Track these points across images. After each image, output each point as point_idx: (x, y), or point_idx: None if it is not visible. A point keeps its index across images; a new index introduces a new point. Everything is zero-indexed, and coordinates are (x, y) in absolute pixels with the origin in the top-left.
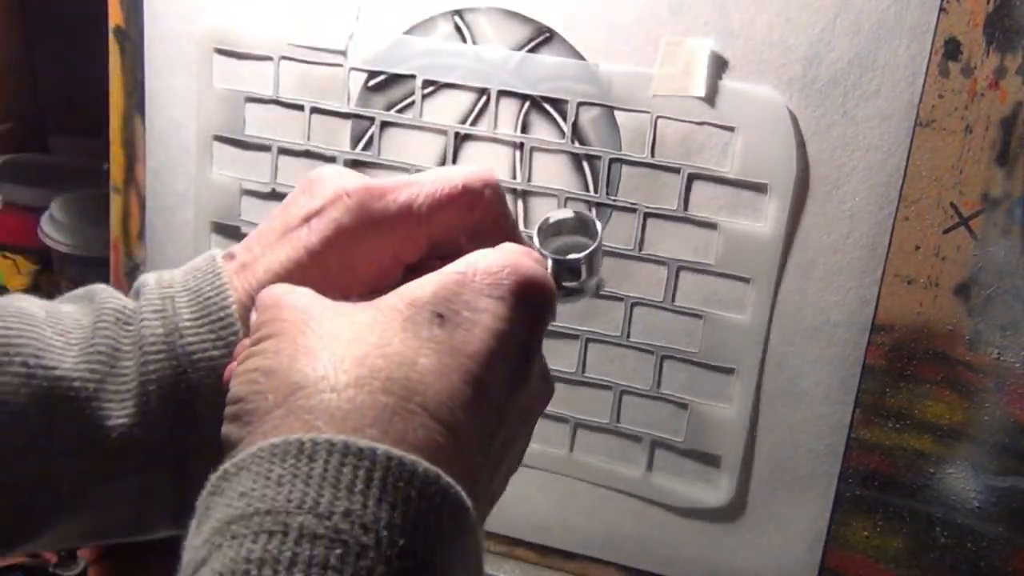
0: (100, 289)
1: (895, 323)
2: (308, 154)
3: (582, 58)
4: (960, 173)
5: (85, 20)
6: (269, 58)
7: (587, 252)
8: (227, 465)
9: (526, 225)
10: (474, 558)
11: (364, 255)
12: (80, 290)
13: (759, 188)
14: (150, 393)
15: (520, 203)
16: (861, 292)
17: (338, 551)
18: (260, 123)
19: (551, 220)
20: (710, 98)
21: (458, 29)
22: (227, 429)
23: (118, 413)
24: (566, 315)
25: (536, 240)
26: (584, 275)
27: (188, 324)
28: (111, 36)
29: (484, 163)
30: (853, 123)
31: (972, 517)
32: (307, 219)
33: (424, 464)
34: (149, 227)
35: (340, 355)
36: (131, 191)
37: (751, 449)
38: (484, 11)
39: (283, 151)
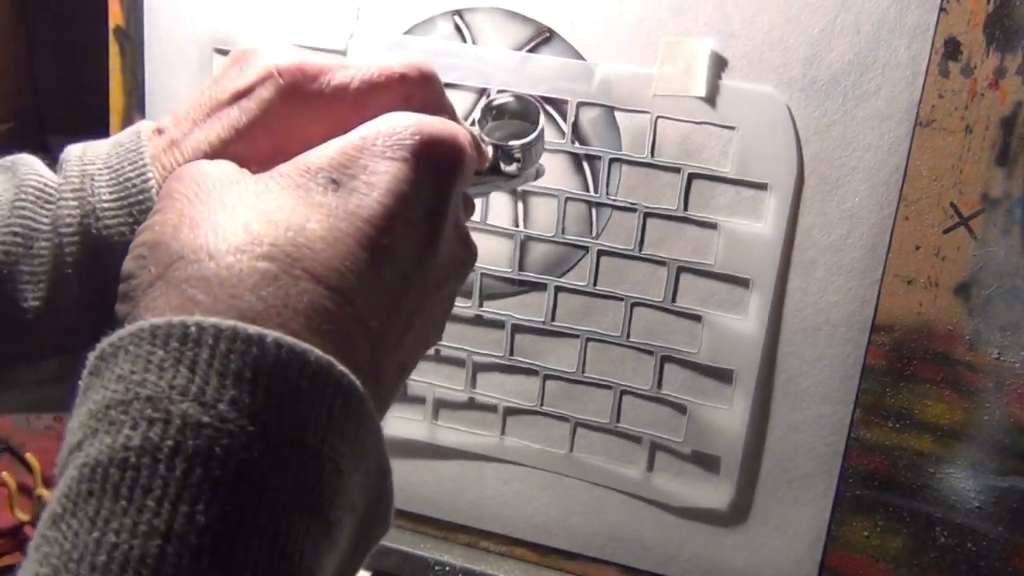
0: (24, 162)
1: (895, 323)
2: None
3: (582, 58)
4: (960, 173)
5: (85, 20)
6: None
7: (527, 140)
8: (104, 345)
9: (526, 222)
10: (371, 447)
11: (296, 137)
12: (6, 160)
13: (759, 188)
14: (66, 276)
15: (520, 203)
16: (861, 292)
17: (224, 441)
18: None
19: (494, 103)
20: (710, 98)
21: (458, 29)
22: (118, 308)
23: (33, 295)
24: (566, 315)
25: (477, 125)
26: (523, 162)
27: (106, 206)
28: (111, 36)
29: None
30: (853, 123)
31: (972, 517)
32: (237, 97)
33: (316, 352)
34: None
35: (223, 223)
36: None
37: (751, 449)
38: (484, 11)
39: None
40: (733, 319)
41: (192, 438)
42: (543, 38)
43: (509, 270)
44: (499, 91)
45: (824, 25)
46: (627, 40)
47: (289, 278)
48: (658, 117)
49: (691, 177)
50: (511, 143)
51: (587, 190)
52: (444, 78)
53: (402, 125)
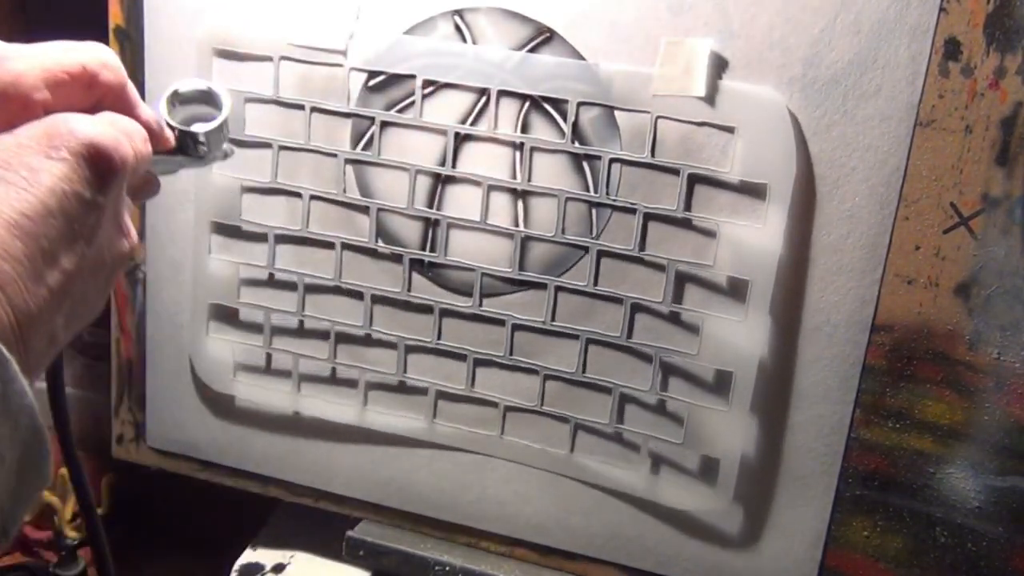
0: None
1: (895, 323)
2: (308, 153)
3: (582, 58)
4: (960, 173)
5: (85, 20)
6: (269, 58)
7: (210, 127)
8: None
9: (526, 222)
10: (16, 404)
11: None
12: None
13: (759, 188)
14: None
15: (520, 203)
16: (861, 292)
17: None
18: (260, 123)
19: (179, 90)
20: (710, 98)
21: (458, 29)
22: None
23: None
24: (566, 315)
25: (163, 109)
26: (208, 147)
27: None
28: (111, 36)
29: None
30: (853, 123)
31: (972, 517)
32: None
33: None
34: (149, 227)
35: None
36: None
37: (751, 450)
38: (484, 11)
39: (283, 150)
40: (733, 319)
41: None
42: (543, 38)
43: (509, 270)
44: (187, 80)
45: (824, 25)
46: (627, 40)
47: None
48: (658, 117)
49: (691, 177)
50: (195, 128)
51: (587, 190)
52: (444, 78)
53: (66, 128)
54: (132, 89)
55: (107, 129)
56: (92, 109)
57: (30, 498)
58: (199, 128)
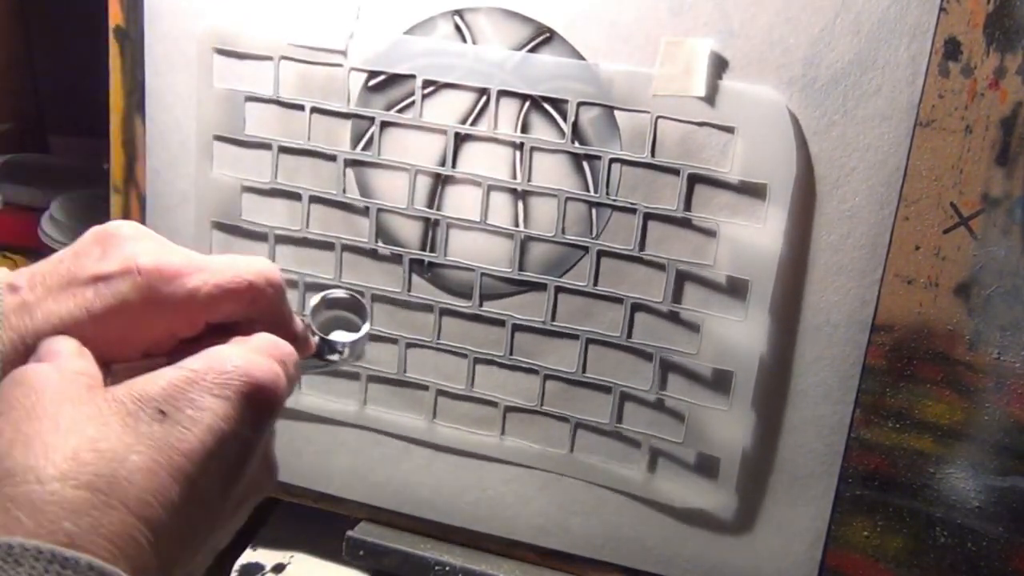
0: None
1: (895, 323)
2: (308, 153)
3: (582, 58)
4: (960, 173)
5: (85, 20)
6: (269, 58)
7: (353, 340)
8: None
9: (526, 222)
10: None
11: (144, 328)
12: None
13: (759, 188)
14: None
15: (520, 203)
16: (861, 292)
17: None
18: (260, 123)
19: (328, 297)
20: (710, 98)
21: (458, 29)
22: None
23: None
24: (566, 315)
25: (309, 316)
26: (345, 356)
27: None
28: (111, 36)
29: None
30: (853, 123)
31: (972, 517)
32: (95, 280)
33: (120, 574)
34: (149, 227)
35: (54, 446)
36: (131, 191)
37: (751, 450)
38: (484, 11)
39: (283, 150)
40: (733, 320)
41: None
42: (543, 38)
43: (509, 270)
44: (335, 290)
45: (824, 25)
46: (627, 40)
47: (105, 508)
48: (658, 117)
49: (691, 177)
50: (338, 339)
51: (587, 190)
52: (444, 78)
53: (232, 365)
54: (288, 304)
55: (270, 365)
56: (249, 323)
57: None
58: (343, 338)
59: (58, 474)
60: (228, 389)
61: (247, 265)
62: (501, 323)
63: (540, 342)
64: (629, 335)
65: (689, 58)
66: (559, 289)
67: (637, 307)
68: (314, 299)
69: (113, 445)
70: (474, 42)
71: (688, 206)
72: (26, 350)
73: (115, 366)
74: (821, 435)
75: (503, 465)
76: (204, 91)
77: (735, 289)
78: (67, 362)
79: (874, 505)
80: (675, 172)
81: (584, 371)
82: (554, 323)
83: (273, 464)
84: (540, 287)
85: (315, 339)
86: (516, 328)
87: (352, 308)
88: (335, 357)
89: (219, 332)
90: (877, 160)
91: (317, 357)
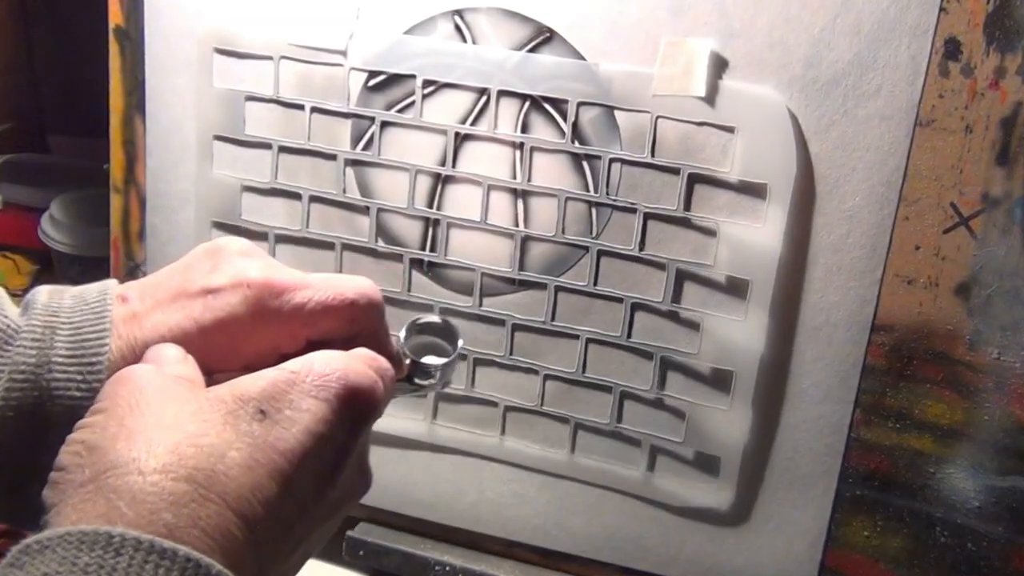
0: None
1: (895, 323)
2: (308, 153)
3: (582, 58)
4: (960, 173)
5: (85, 20)
6: (269, 58)
7: (444, 363)
8: (30, 541)
9: (526, 222)
10: None
11: (249, 341)
12: None
13: (759, 188)
14: (6, 419)
15: (520, 203)
16: (861, 292)
17: None
18: (260, 123)
19: (419, 321)
20: (710, 98)
21: (458, 29)
22: (46, 493)
23: None
24: (566, 315)
25: (402, 336)
26: (436, 380)
27: (60, 360)
28: (111, 36)
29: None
30: (853, 123)
31: (972, 517)
32: (205, 293)
33: (218, 567)
34: (149, 227)
35: (156, 440)
36: (131, 191)
37: (751, 450)
38: (484, 11)
39: (283, 150)
40: (733, 320)
41: None
42: (543, 38)
43: (509, 270)
44: (428, 315)
45: (824, 25)
46: (627, 40)
47: (204, 501)
48: (658, 117)
49: (691, 177)
50: (430, 362)
51: (587, 190)
52: (444, 78)
53: (331, 368)
54: (386, 324)
55: (369, 372)
56: (349, 339)
57: None
58: (434, 361)
59: (159, 466)
60: (327, 392)
61: (349, 283)
62: (501, 323)
63: (540, 342)
64: (629, 335)
65: (689, 58)
66: (559, 289)
67: (637, 307)
68: (407, 324)
69: (213, 441)
70: (474, 42)
71: (688, 206)
72: (134, 359)
73: (217, 375)
74: (821, 435)
75: (503, 465)
76: (204, 91)
77: (735, 289)
78: (171, 365)
79: (874, 505)
80: (675, 172)
81: (584, 371)
82: (554, 323)
83: (367, 471)
84: (540, 287)
85: (407, 362)
86: (516, 328)
87: (443, 334)
88: (426, 381)
89: (319, 349)
90: (877, 160)
91: (407, 381)
